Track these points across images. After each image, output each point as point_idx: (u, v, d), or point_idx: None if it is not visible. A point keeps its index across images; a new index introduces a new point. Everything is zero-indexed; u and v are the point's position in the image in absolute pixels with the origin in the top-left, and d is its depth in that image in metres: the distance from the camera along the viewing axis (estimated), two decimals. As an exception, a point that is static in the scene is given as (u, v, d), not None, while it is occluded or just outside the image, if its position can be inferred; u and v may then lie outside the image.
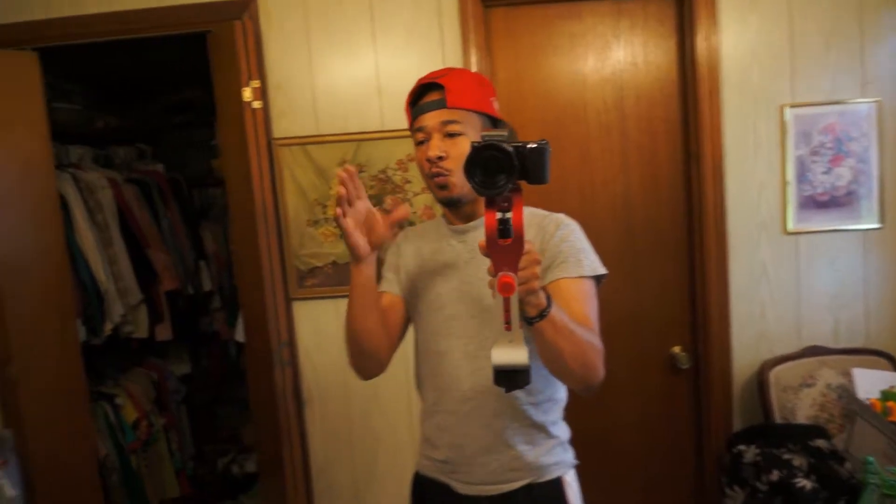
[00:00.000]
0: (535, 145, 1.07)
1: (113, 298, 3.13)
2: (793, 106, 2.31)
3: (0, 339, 2.52)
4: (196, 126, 4.33)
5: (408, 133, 2.27)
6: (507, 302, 1.05)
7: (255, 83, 2.33)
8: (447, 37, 2.34)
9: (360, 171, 2.38)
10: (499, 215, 1.05)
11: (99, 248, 3.09)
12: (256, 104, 2.34)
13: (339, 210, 1.31)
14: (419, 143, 1.47)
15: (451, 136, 1.42)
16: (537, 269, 1.10)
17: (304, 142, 2.39)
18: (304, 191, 2.41)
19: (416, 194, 2.39)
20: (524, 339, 1.08)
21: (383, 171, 2.38)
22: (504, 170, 1.04)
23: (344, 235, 1.34)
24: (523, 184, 1.08)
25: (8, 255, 2.42)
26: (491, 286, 1.07)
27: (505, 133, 1.08)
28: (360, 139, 2.38)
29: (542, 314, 1.16)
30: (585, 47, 2.41)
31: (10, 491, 2.33)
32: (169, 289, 3.52)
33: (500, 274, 1.04)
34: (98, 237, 3.11)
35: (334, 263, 2.43)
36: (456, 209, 1.51)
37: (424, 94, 1.46)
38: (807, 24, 2.30)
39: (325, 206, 2.41)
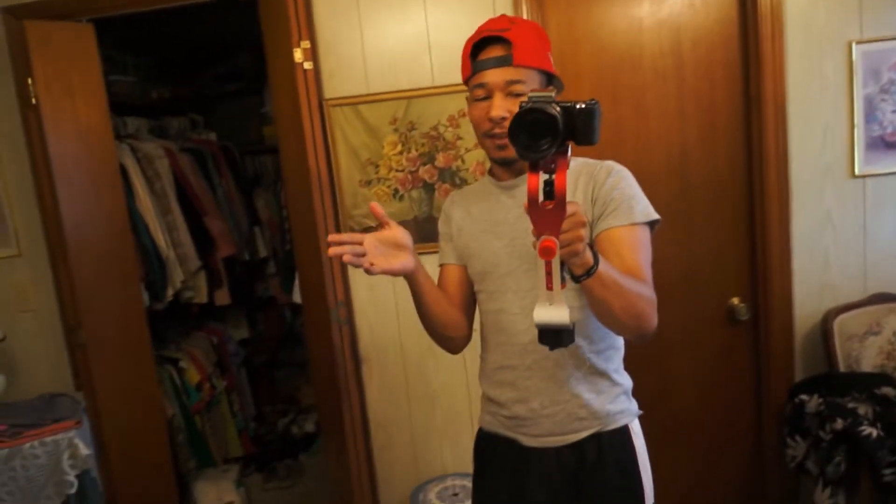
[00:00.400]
0: (583, 106, 1.05)
1: (173, 264, 3.22)
2: (861, 42, 2.20)
3: (69, 305, 2.64)
4: (246, 94, 4.38)
5: (459, 88, 2.27)
6: (548, 265, 1.05)
7: (306, 44, 2.32)
8: (496, -12, 2.30)
9: (412, 129, 2.37)
10: (543, 177, 1.04)
11: (158, 216, 3.18)
12: (307, 65, 2.34)
13: (365, 265, 1.29)
14: (479, 100, 1.43)
15: (514, 95, 1.39)
16: (582, 232, 1.08)
17: (355, 101, 2.39)
18: (356, 151, 2.42)
19: (468, 150, 2.38)
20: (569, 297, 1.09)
21: (434, 128, 2.37)
22: (549, 133, 1.02)
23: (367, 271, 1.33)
24: (572, 144, 1.07)
25: (74, 223, 2.51)
26: (534, 247, 1.07)
27: (552, 94, 1.06)
28: (411, 96, 2.36)
29: (589, 272, 1.16)
30: (640, -10, 2.34)
31: (85, 450, 2.44)
32: (226, 255, 3.61)
33: (543, 238, 1.03)
34: (157, 205, 3.20)
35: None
36: (510, 167, 1.49)
37: (486, 47, 1.41)
38: (875, -45, 2.18)
39: (377, 166, 2.42)
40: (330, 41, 2.38)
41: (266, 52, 2.48)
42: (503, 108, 1.38)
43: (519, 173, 1.49)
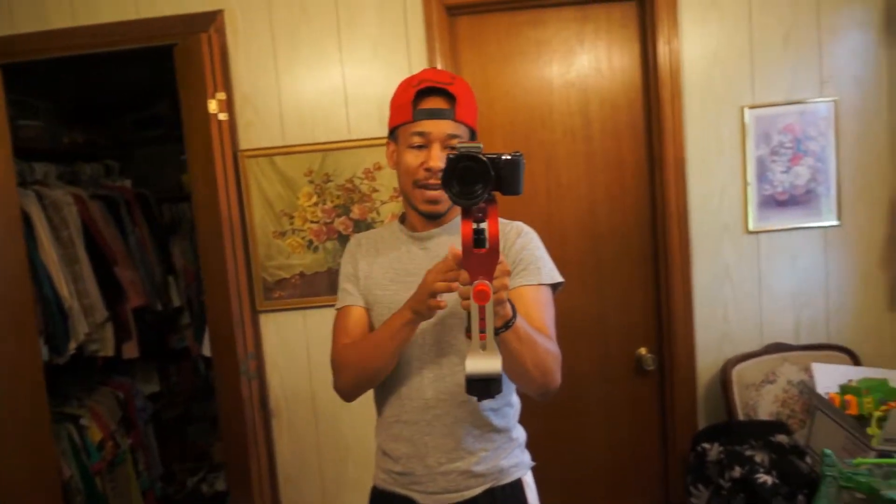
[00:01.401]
0: (509, 157, 1.09)
1: (77, 316, 3.07)
2: (753, 107, 2.36)
3: (-41, 358, 2.47)
4: (166, 141, 4.29)
5: (375, 142, 2.33)
6: (482, 310, 1.06)
7: (221, 95, 2.32)
8: (413, 46, 2.36)
9: (327, 181, 2.38)
10: (474, 225, 1.07)
11: (63, 266, 3.04)
12: (222, 116, 2.33)
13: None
14: (414, 147, 1.42)
15: (451, 149, 1.39)
16: (507, 280, 1.12)
17: (270, 153, 2.39)
18: (271, 202, 2.40)
19: (383, 202, 2.40)
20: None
21: (350, 181, 2.39)
22: (480, 180, 1.05)
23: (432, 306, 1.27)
24: (497, 194, 1.10)
25: (-33, 272, 2.38)
26: (462, 295, 1.09)
27: (480, 144, 1.09)
28: (327, 149, 2.38)
29: (508, 324, 1.18)
30: (551, 53, 2.45)
31: (-30, 515, 2.26)
32: (136, 305, 3.47)
33: (477, 282, 1.04)
34: (62, 254, 3.06)
35: (301, 274, 2.42)
36: (429, 220, 1.50)
37: (429, 97, 1.42)
38: (766, 25, 2.35)
39: (292, 217, 2.41)
40: (247, 93, 2.38)
41: (181, 102, 2.45)
42: (442, 160, 1.36)
43: (436, 225, 1.50)
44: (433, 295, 1.24)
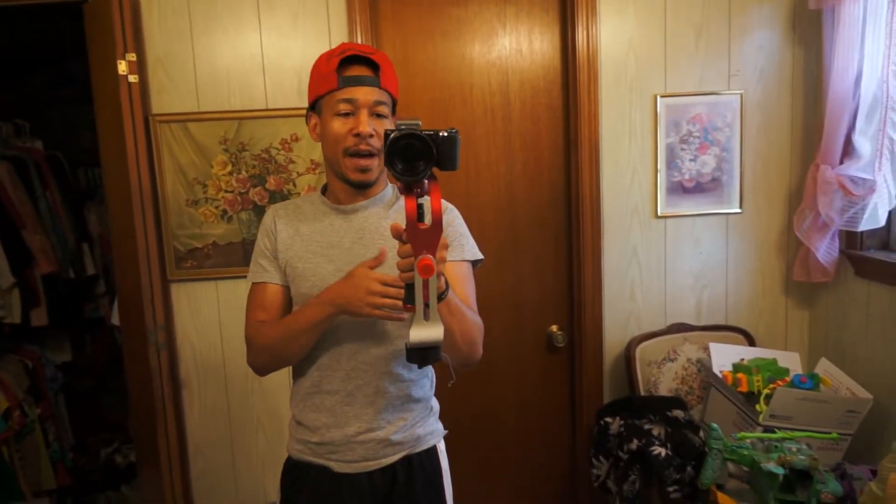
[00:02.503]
0: (446, 134, 1.11)
1: (-20, 280, 2.96)
2: (665, 96, 2.43)
3: None
4: (80, 102, 4.12)
5: (293, 112, 2.30)
6: (426, 283, 1.09)
7: (132, 56, 2.24)
8: (333, 18, 2.33)
9: (242, 150, 2.35)
10: (418, 201, 1.09)
11: (-35, 228, 2.91)
12: (133, 78, 2.25)
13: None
14: (340, 114, 1.42)
15: (378, 116, 1.42)
16: (445, 253, 1.15)
17: (184, 118, 2.33)
18: (184, 169, 2.35)
19: (299, 174, 2.38)
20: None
21: (266, 151, 2.35)
22: (422, 157, 1.07)
23: (369, 311, 1.32)
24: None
25: None
26: (401, 268, 1.12)
27: (419, 121, 1.11)
28: (243, 117, 2.34)
29: (441, 296, 1.22)
30: (473, 33, 2.46)
31: None
32: (46, 272, 3.35)
33: (421, 256, 1.07)
34: (-36, 216, 2.93)
35: (214, 244, 2.39)
36: (356, 190, 1.50)
37: (352, 65, 1.42)
38: (680, 19, 2.42)
39: (205, 186, 2.36)
40: (160, 55, 2.31)
41: (90, 62, 2.36)
42: (371, 126, 1.40)
43: (361, 198, 1.51)
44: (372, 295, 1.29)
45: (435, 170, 1.11)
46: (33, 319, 3.34)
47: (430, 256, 1.08)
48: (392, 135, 1.08)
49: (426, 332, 1.12)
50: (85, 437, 4.04)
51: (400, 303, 1.26)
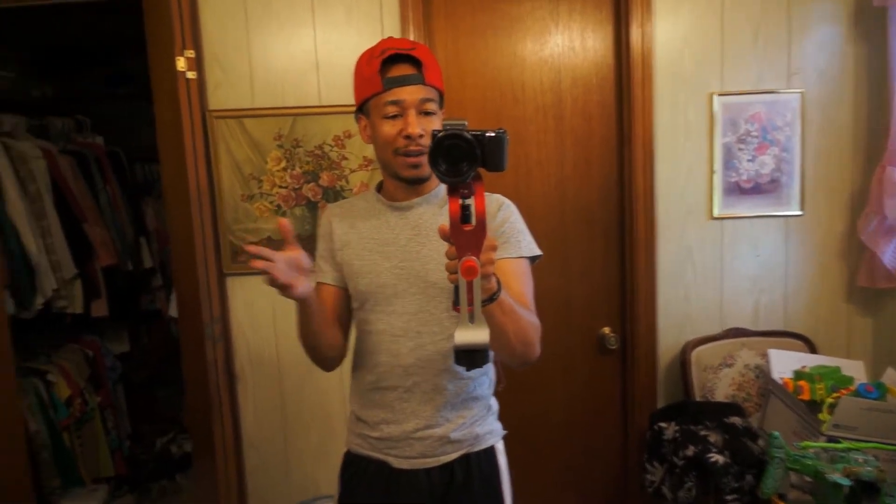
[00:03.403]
0: (493, 134, 1.10)
1: (45, 271, 3.06)
2: (721, 94, 2.37)
3: (-79, 310, 2.46)
4: (139, 98, 4.22)
5: (346, 109, 2.31)
6: (470, 285, 1.08)
7: (190, 52, 2.29)
8: (386, 14, 2.34)
9: (296, 147, 2.37)
10: (461, 202, 1.08)
11: (31, 220, 3.02)
12: (191, 74, 2.30)
13: (269, 279, 1.27)
14: (388, 117, 1.42)
15: (426, 114, 1.41)
16: (493, 255, 1.13)
17: (239, 114, 2.37)
18: (239, 165, 2.39)
19: (352, 171, 2.39)
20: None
21: (319, 147, 2.38)
22: (466, 158, 1.06)
23: (281, 292, 1.32)
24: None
25: (-70, 223, 2.36)
26: (449, 269, 1.11)
27: (465, 122, 1.11)
28: (297, 114, 2.36)
29: (493, 297, 1.20)
30: (525, 31, 2.44)
31: (-70, 465, 2.27)
32: (106, 264, 3.46)
33: (465, 258, 1.06)
34: (30, 208, 3.04)
35: (269, 239, 2.42)
36: (409, 187, 1.50)
37: (395, 65, 1.41)
38: (737, 15, 2.35)
39: (260, 181, 2.40)
40: (216, 52, 2.35)
41: (149, 58, 2.42)
42: (420, 126, 1.39)
43: (416, 195, 1.51)
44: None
45: (481, 170, 1.10)
46: (94, 310, 3.44)
47: (475, 258, 1.06)
48: (437, 135, 1.07)
49: (471, 334, 1.11)
50: (140, 426, 4.16)
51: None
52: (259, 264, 1.25)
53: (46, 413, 3.19)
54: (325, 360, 1.57)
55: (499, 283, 1.22)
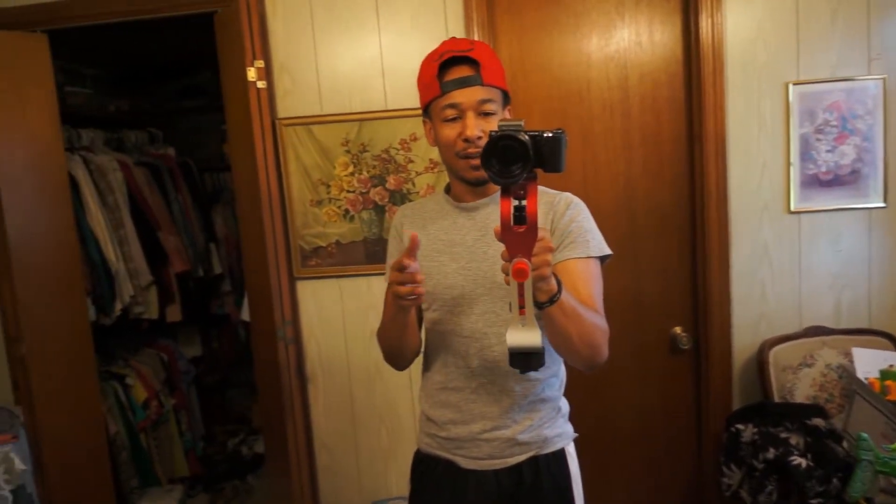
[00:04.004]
0: (551, 134, 1.09)
1: (123, 279, 3.18)
2: (797, 83, 2.29)
3: (10, 317, 2.58)
4: (208, 110, 4.37)
5: (411, 113, 2.33)
6: (521, 287, 1.07)
7: (260, 63, 2.34)
8: (450, 16, 2.35)
9: (363, 151, 2.40)
10: (514, 202, 1.07)
11: (109, 229, 3.15)
12: (261, 84, 2.36)
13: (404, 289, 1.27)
14: (449, 120, 1.42)
15: (486, 115, 1.40)
16: (549, 257, 1.12)
17: (307, 121, 2.41)
18: (308, 171, 2.43)
19: (418, 174, 2.41)
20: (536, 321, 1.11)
21: (386, 151, 2.40)
22: (520, 159, 1.05)
23: (401, 303, 1.31)
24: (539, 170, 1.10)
25: (19, 234, 2.48)
26: (504, 271, 1.09)
27: (521, 122, 1.10)
28: (363, 119, 2.39)
29: (553, 299, 1.19)
30: (590, 26, 2.41)
31: (21, 465, 2.39)
32: (179, 271, 3.57)
33: (515, 260, 1.05)
34: (108, 218, 3.17)
35: (337, 243, 2.46)
36: (476, 188, 1.50)
37: (452, 67, 1.41)
38: (813, 0, 2.27)
39: (328, 186, 2.44)
40: (284, 61, 2.40)
41: (221, 70, 2.49)
42: (478, 128, 1.39)
43: (482, 196, 1.50)
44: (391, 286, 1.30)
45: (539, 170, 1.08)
46: (168, 315, 3.56)
47: (525, 260, 1.05)
48: (492, 135, 1.06)
49: (523, 336, 1.10)
50: (212, 427, 4.28)
51: (419, 288, 1.26)
52: (405, 290, 1.27)
53: (125, 415, 3.32)
54: (404, 360, 1.58)
55: (559, 284, 1.19)
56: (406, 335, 1.49)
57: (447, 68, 1.41)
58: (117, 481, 3.08)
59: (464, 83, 1.39)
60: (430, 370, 1.57)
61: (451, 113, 1.41)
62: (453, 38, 1.49)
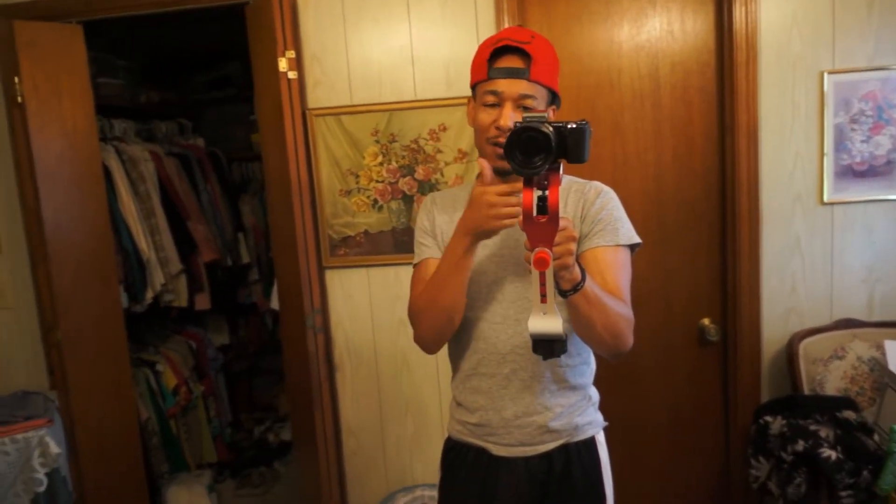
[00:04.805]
0: (574, 126, 1.10)
1: (154, 267, 3.23)
2: (832, 72, 2.26)
3: (46, 304, 2.65)
4: (236, 101, 4.42)
5: (440, 103, 2.34)
6: (542, 276, 1.09)
7: (291, 53, 2.36)
8: (480, 4, 2.34)
9: (392, 141, 2.41)
10: (537, 193, 1.08)
11: (141, 219, 3.19)
12: (292, 74, 2.37)
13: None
14: (487, 105, 1.43)
15: (525, 109, 1.40)
16: (572, 246, 1.13)
17: (337, 112, 2.43)
18: (338, 161, 2.45)
19: (447, 164, 2.41)
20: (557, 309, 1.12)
21: (415, 141, 2.41)
22: (542, 150, 1.07)
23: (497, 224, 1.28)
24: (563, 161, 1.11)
25: (54, 222, 2.53)
26: (527, 260, 1.11)
27: (545, 114, 1.12)
28: (393, 109, 2.40)
29: (576, 288, 1.20)
30: (621, 15, 2.39)
31: (55, 448, 2.44)
32: (208, 260, 3.62)
33: (536, 249, 1.07)
34: (140, 208, 3.21)
35: (366, 233, 2.48)
36: (505, 177, 1.48)
37: (504, 55, 1.41)
38: (849, -11, 2.24)
39: (357, 176, 2.45)
40: (315, 52, 2.42)
41: (252, 61, 2.51)
42: (513, 119, 1.38)
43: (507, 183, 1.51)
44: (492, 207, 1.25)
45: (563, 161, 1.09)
46: (197, 303, 3.61)
47: (547, 250, 1.06)
48: (515, 126, 1.07)
49: (543, 323, 1.11)
50: (239, 414, 4.34)
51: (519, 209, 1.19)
52: (512, 210, 1.23)
53: (156, 401, 3.38)
54: (451, 326, 1.48)
55: (583, 272, 1.20)
56: (463, 291, 1.42)
57: (500, 55, 1.41)
58: (148, 466, 3.14)
59: (510, 73, 1.40)
60: (461, 357, 1.57)
61: (490, 99, 1.42)
62: (518, 26, 1.49)
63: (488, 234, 1.32)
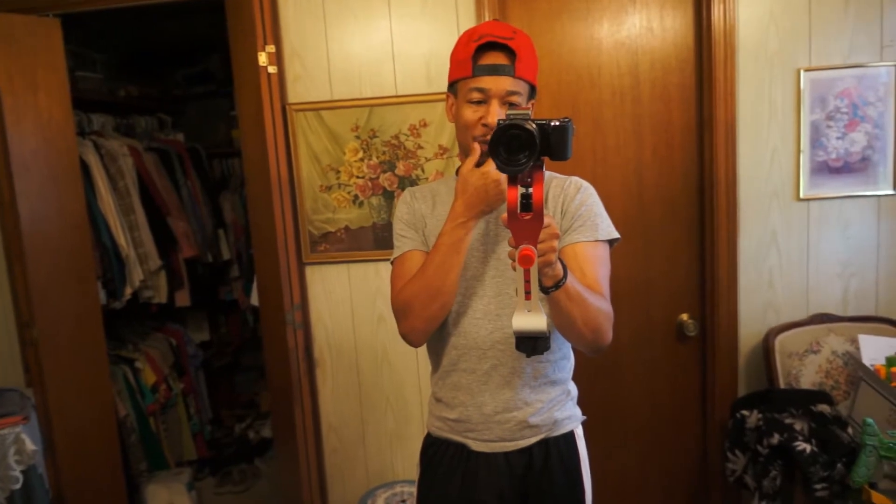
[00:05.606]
0: (557, 123, 1.10)
1: (133, 263, 3.21)
2: (809, 70, 2.29)
3: (22, 300, 2.61)
4: (216, 96, 4.39)
5: (421, 98, 2.34)
6: (526, 273, 1.09)
7: (271, 48, 2.35)
8: (461, 2, 2.34)
9: (373, 137, 2.41)
10: (521, 190, 1.09)
11: (120, 215, 3.16)
12: (272, 69, 2.36)
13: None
14: (473, 102, 1.42)
15: (510, 105, 1.41)
16: (555, 243, 1.14)
17: (318, 107, 2.41)
18: (318, 156, 2.44)
19: (427, 160, 2.41)
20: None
21: (395, 137, 2.40)
22: (526, 148, 1.07)
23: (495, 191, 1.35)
24: (546, 158, 1.11)
25: (30, 218, 2.50)
26: (511, 257, 1.12)
27: (528, 111, 1.12)
28: (373, 104, 2.40)
29: (558, 284, 1.21)
30: (601, 12, 2.40)
31: (31, 445, 2.41)
32: (188, 256, 3.60)
33: (521, 246, 1.08)
34: (119, 203, 3.18)
35: (346, 228, 2.47)
36: None
37: (488, 52, 1.41)
38: (826, -14, 2.26)
39: (338, 172, 2.44)
40: (295, 46, 2.41)
41: (231, 55, 2.49)
42: (500, 116, 1.37)
43: None
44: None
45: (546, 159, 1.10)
46: (177, 300, 3.59)
47: (531, 247, 1.07)
48: (499, 124, 1.08)
49: (528, 320, 1.12)
50: (219, 411, 4.32)
51: None
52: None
53: (134, 398, 3.35)
54: (444, 311, 1.46)
55: (565, 269, 1.22)
56: (459, 273, 1.42)
57: (483, 51, 1.41)
58: (126, 464, 3.11)
59: (496, 71, 1.40)
60: (441, 353, 1.57)
61: (476, 96, 1.42)
62: (497, 21, 1.49)
63: (490, 210, 1.38)
